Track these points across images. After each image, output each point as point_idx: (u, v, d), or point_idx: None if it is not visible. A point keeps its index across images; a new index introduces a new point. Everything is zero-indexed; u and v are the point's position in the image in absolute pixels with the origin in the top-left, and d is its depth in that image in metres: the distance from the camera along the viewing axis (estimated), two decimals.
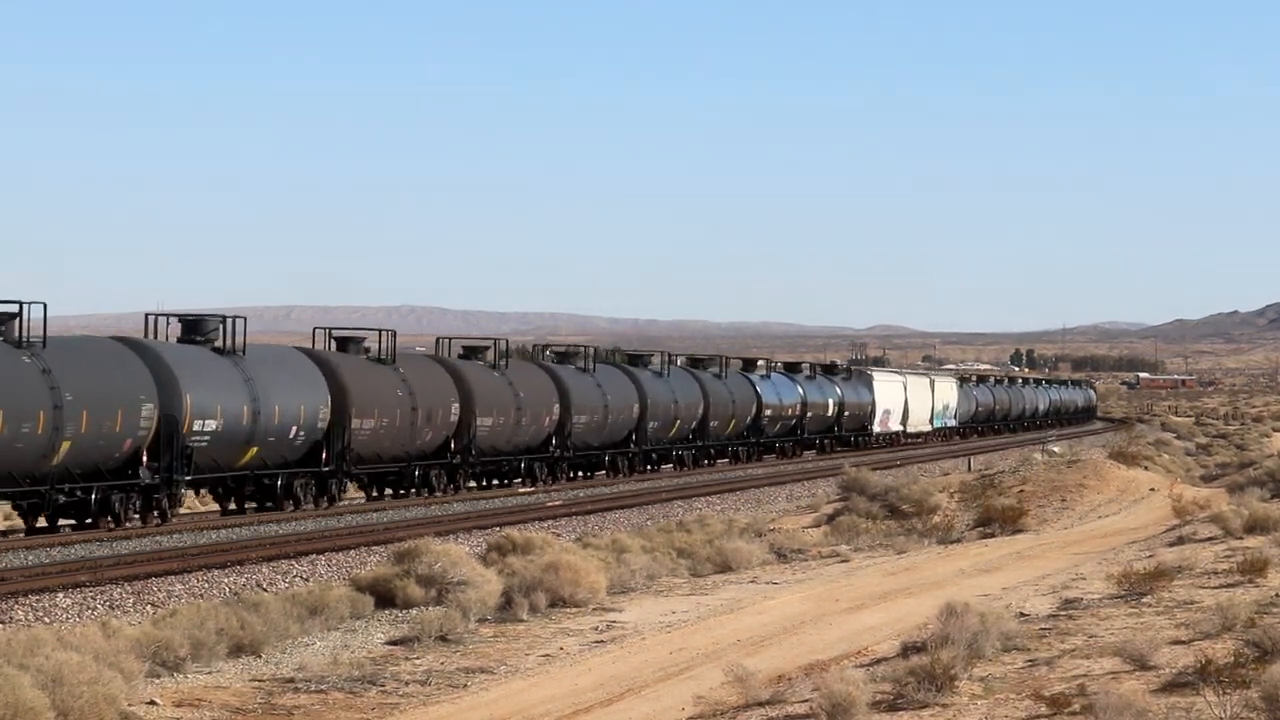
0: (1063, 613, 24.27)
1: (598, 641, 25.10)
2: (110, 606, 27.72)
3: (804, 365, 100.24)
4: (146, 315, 45.36)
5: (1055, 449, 69.12)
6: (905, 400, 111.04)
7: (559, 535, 39.10)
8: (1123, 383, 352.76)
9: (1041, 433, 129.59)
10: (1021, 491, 49.19)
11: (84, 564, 32.54)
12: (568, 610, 28.23)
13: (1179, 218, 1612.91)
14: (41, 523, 39.17)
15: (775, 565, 36.75)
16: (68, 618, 26.26)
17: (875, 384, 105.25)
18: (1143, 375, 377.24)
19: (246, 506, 46.06)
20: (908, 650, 20.27)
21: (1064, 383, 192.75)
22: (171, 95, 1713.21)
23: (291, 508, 46.05)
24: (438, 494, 53.59)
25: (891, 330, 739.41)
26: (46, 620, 25.92)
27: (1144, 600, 24.57)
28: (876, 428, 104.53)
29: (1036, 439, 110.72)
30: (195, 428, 41.82)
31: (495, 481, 60.36)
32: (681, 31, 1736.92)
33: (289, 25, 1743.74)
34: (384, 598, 27.89)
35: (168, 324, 45.73)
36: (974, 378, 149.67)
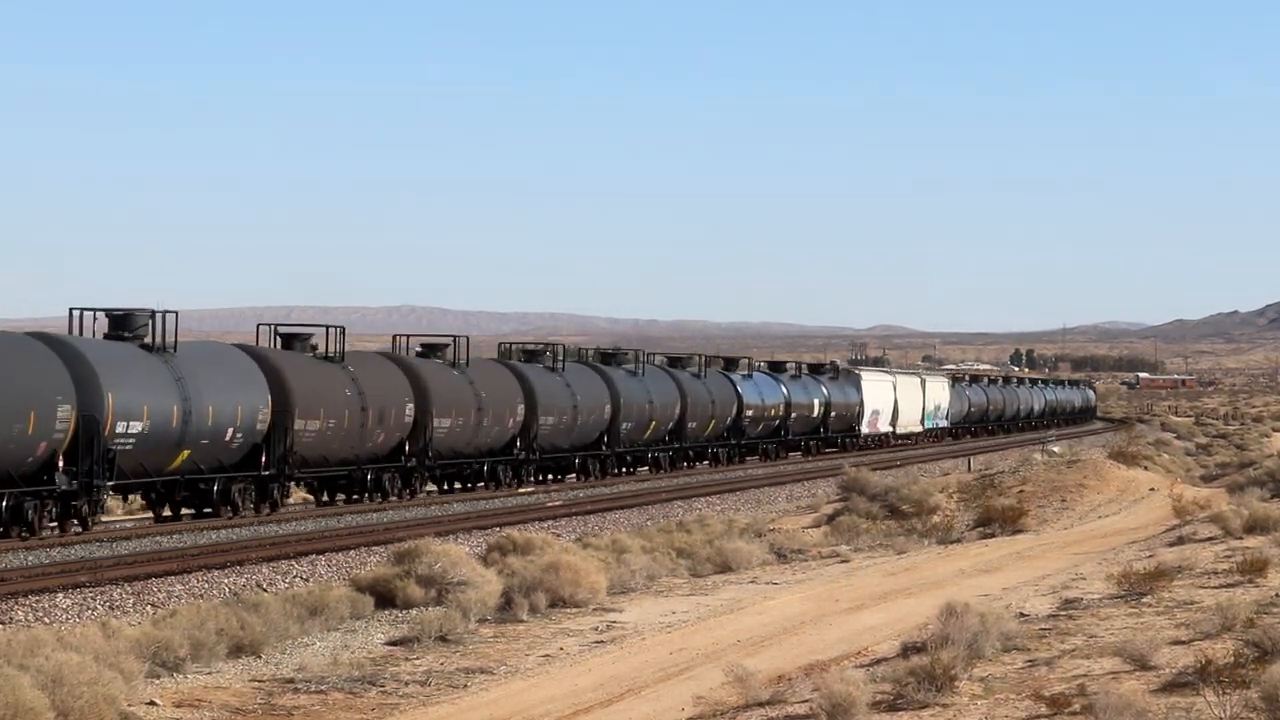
0: (1063, 613, 24.28)
1: (598, 642, 25.11)
2: (110, 607, 27.72)
3: (789, 365, 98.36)
4: (70, 310, 42.52)
5: (1055, 449, 69.07)
6: (895, 400, 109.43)
7: (559, 535, 39.12)
8: (1123, 383, 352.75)
9: (1038, 433, 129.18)
10: (1021, 492, 49.19)
11: (84, 564, 32.56)
12: (568, 610, 28.23)
13: (1179, 218, 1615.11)
14: None
15: (775, 565, 36.76)
16: (68, 618, 26.27)
17: (863, 384, 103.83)
18: (1143, 375, 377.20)
19: (182, 513, 43.71)
20: (908, 650, 20.27)
21: (1061, 383, 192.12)
22: (171, 95, 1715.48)
23: (230, 514, 43.61)
24: (391, 499, 51.13)
25: (892, 330, 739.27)
26: (46, 621, 25.93)
27: (1144, 600, 24.57)
28: (865, 428, 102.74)
29: (1033, 439, 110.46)
30: (119, 430, 39.07)
31: (457, 485, 58.25)
32: (681, 31, 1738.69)
33: (289, 25, 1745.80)
34: (384, 598, 27.89)
35: (94, 319, 42.77)
36: (966, 377, 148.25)
